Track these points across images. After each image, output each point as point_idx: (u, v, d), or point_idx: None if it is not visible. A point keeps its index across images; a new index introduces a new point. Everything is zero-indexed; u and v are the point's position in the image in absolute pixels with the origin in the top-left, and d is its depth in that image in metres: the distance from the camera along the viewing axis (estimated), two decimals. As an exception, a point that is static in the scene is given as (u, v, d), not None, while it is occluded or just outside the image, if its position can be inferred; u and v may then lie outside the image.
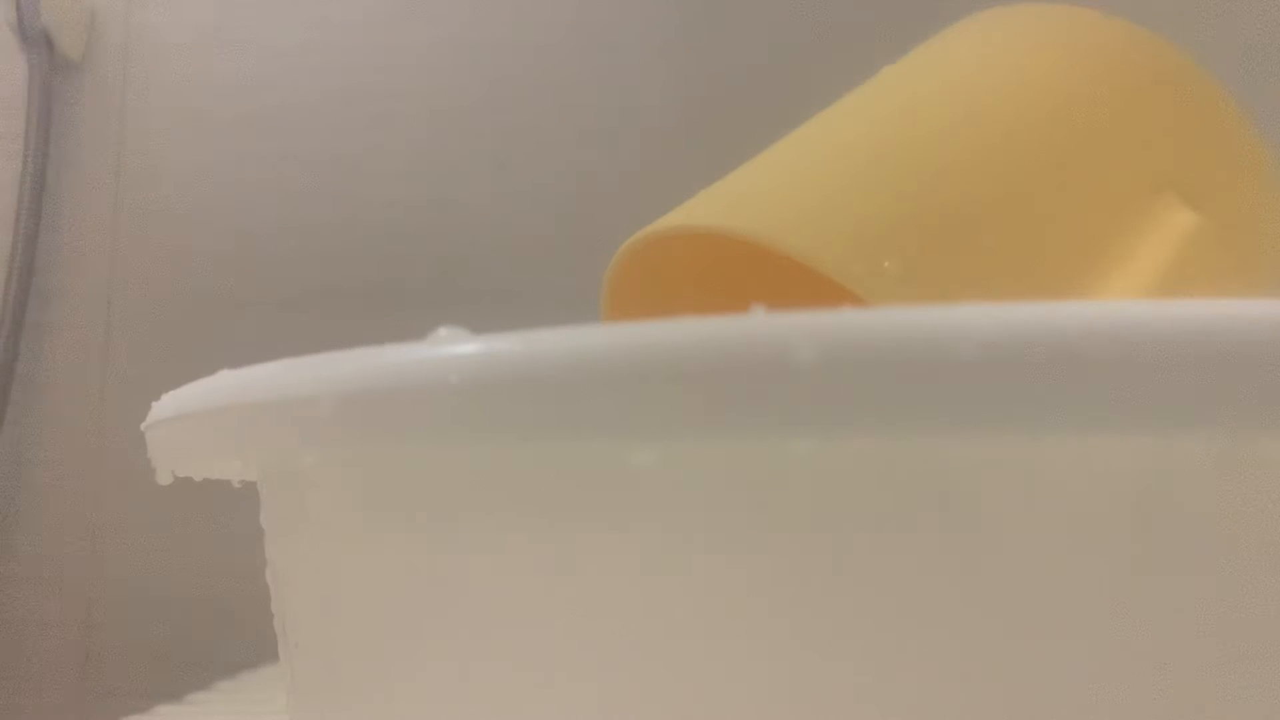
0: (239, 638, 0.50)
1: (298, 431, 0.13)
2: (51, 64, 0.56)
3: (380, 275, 0.55)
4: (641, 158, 0.54)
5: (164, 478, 0.16)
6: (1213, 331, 0.10)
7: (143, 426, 0.16)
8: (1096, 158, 0.23)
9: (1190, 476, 0.11)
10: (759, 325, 0.10)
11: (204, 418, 0.14)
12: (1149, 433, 0.11)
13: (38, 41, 0.55)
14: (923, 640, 0.12)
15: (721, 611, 0.12)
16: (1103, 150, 0.23)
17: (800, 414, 0.10)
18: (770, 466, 0.12)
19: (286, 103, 0.57)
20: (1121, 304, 0.10)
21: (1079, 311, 0.10)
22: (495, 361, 0.11)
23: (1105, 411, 0.10)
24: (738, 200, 0.24)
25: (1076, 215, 0.22)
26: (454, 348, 0.12)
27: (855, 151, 0.23)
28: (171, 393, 0.15)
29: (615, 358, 0.11)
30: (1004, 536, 0.11)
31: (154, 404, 0.16)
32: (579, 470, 0.12)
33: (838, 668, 0.12)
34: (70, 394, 0.56)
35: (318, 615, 0.16)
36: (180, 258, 0.56)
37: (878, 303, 0.20)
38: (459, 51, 0.56)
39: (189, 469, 0.16)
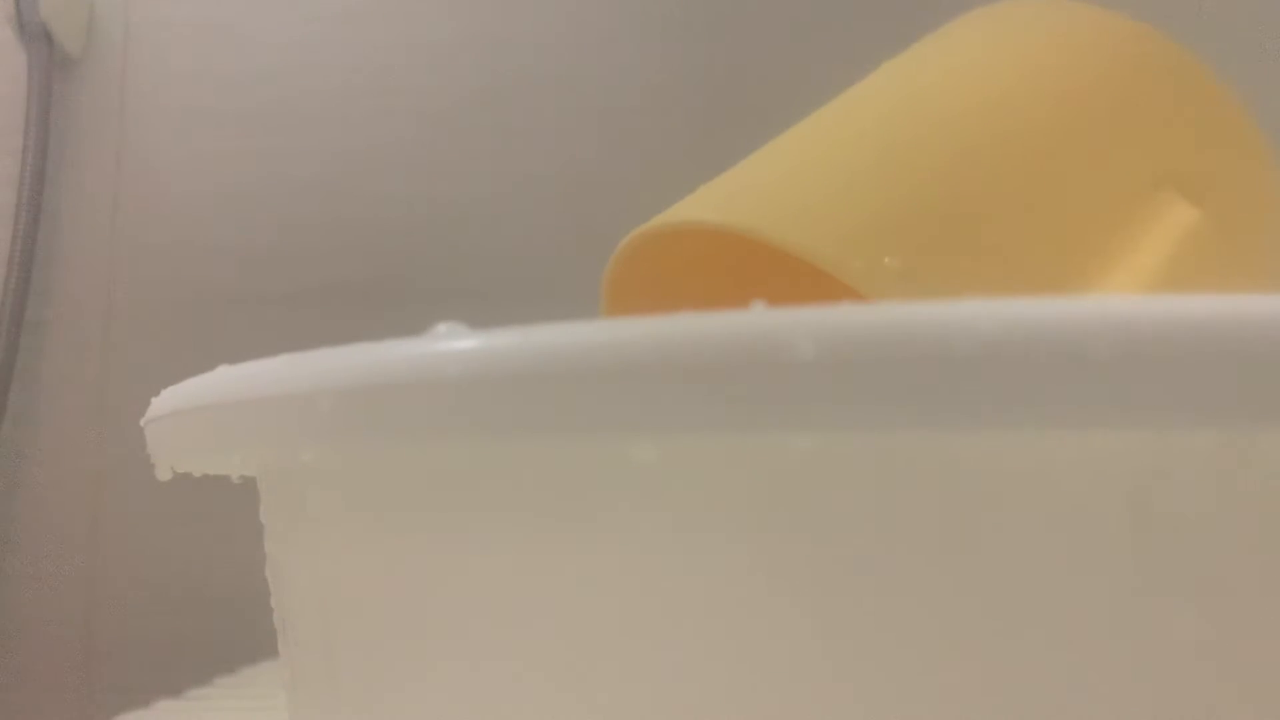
0: (239, 633, 0.50)
1: (296, 427, 0.13)
2: (51, 59, 0.56)
3: (380, 271, 0.55)
4: (642, 154, 0.54)
5: (163, 474, 0.16)
6: (1214, 327, 0.10)
7: (142, 422, 0.16)
8: (1097, 153, 0.23)
9: (1191, 472, 0.11)
10: (759, 321, 0.10)
11: (203, 413, 0.14)
12: (1150, 428, 0.11)
13: (37, 37, 0.55)
14: (922, 637, 0.12)
15: (721, 606, 0.12)
16: (1103, 145, 0.23)
17: (800, 410, 0.10)
18: (770, 462, 0.12)
19: (286, 98, 0.57)
20: (1122, 299, 0.10)
21: (1080, 307, 0.10)
22: (494, 357, 0.11)
23: (1106, 407, 0.10)
24: (738, 196, 0.24)
25: (1077, 211, 0.22)
26: (453, 343, 0.12)
27: (855, 147, 0.23)
28: (171, 389, 0.15)
29: (615, 353, 0.11)
30: (1004, 532, 0.11)
31: (153, 400, 0.16)
32: (579, 466, 0.12)
33: (837, 665, 0.12)
34: (70, 391, 0.56)
35: (317, 611, 0.16)
36: (180, 254, 0.56)
37: (878, 298, 0.20)
38: (459, 47, 0.56)
39: (188, 465, 0.16)
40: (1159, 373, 0.10)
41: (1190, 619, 0.11)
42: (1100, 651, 0.11)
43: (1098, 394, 0.10)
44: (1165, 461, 0.11)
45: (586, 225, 0.53)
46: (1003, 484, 0.11)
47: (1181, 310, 0.10)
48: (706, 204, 0.24)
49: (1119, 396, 0.10)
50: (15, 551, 0.55)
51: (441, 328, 0.12)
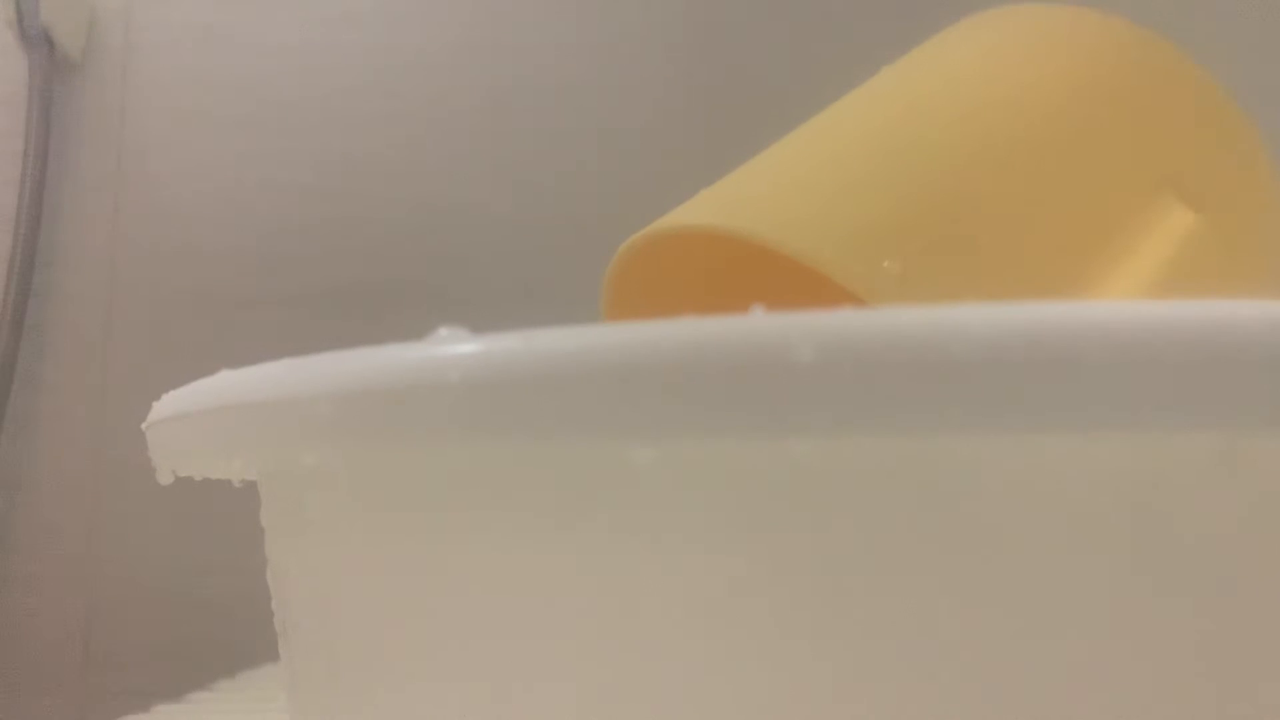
0: (239, 637, 0.50)
1: (298, 431, 0.13)
2: (52, 63, 0.56)
3: (380, 275, 0.55)
4: (642, 158, 0.54)
5: (164, 477, 0.16)
6: (1212, 331, 0.10)
7: (143, 426, 0.16)
8: (1096, 157, 0.23)
9: (1190, 476, 0.11)
10: (759, 325, 0.10)
11: (204, 417, 0.14)
12: (1149, 432, 0.11)
13: (38, 41, 0.55)
14: (922, 640, 0.12)
15: (720, 610, 0.12)
16: (1102, 150, 0.23)
17: (800, 414, 0.10)
18: (770, 466, 0.12)
19: (287, 102, 0.57)
20: (1121, 304, 0.10)
21: (1079, 311, 0.10)
22: (496, 361, 0.11)
23: (1105, 411, 0.10)
24: (738, 200, 0.24)
25: (1076, 215, 0.22)
26: (454, 347, 0.12)
27: (855, 151, 0.23)
28: (172, 392, 0.15)
29: (615, 357, 0.11)
30: (1004, 536, 0.11)
31: (154, 404, 0.16)
32: (579, 470, 0.12)
33: (837, 667, 0.12)
34: (70, 394, 0.56)
35: (318, 614, 0.16)
36: (180, 257, 0.56)
37: (877, 303, 0.20)
38: (459, 51, 0.56)
39: (190, 468, 0.16)
40: (1156, 377, 0.10)
41: (1189, 620, 0.12)
42: (1100, 652, 0.11)
43: (1096, 398, 0.10)
44: (1163, 464, 0.11)
45: (587, 229, 0.54)
46: (1001, 487, 0.11)
47: (1179, 315, 0.10)
48: (707, 208, 0.24)
49: (1117, 400, 0.10)
50: (15, 554, 0.55)
51: (443, 332, 0.12)
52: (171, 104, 0.57)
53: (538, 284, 0.54)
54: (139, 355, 0.56)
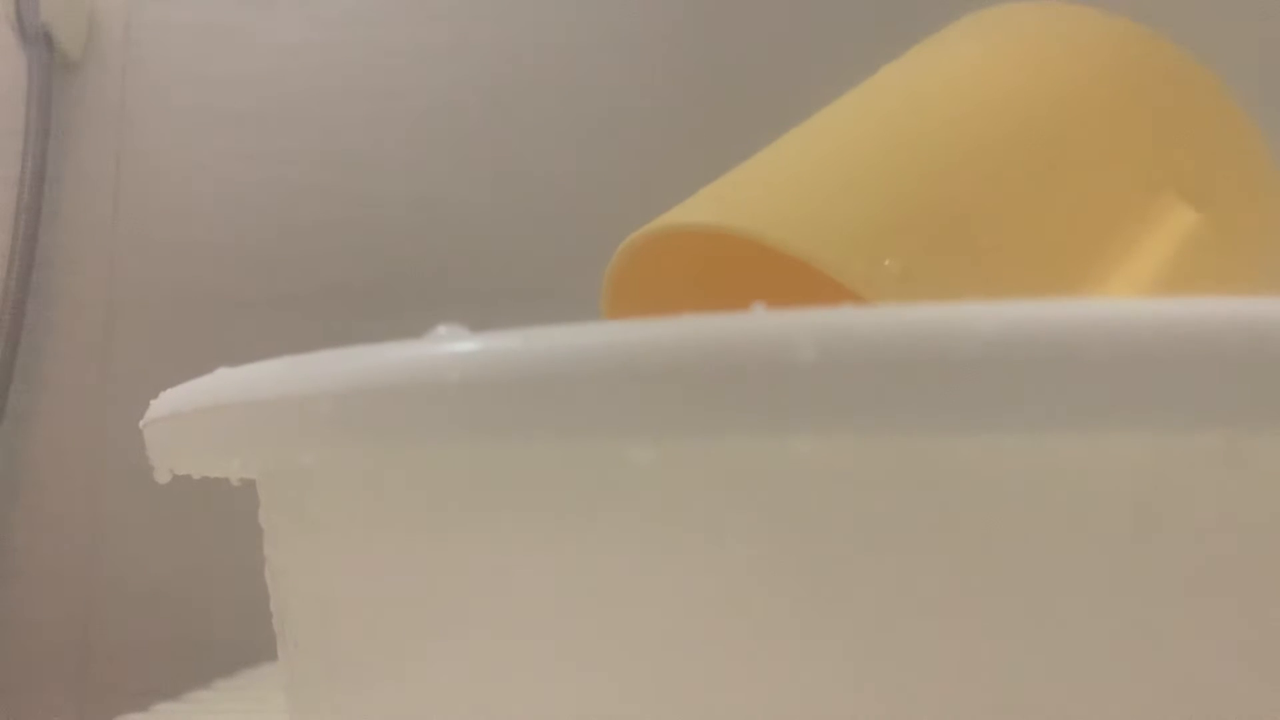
0: (238, 636, 0.50)
1: (296, 430, 0.13)
2: (51, 62, 0.56)
3: (380, 274, 0.55)
4: (641, 156, 0.54)
5: (163, 476, 0.16)
6: (1214, 331, 0.10)
7: (141, 424, 0.16)
8: (1097, 156, 0.23)
9: (1191, 476, 0.11)
10: (760, 323, 0.10)
11: (202, 416, 0.14)
12: (1150, 431, 0.11)
13: (37, 39, 0.55)
14: (922, 639, 0.12)
15: (721, 610, 0.12)
16: (1103, 148, 0.23)
17: (801, 412, 0.10)
18: (771, 465, 0.12)
19: (286, 101, 0.57)
20: (1122, 302, 0.10)
21: (1080, 310, 0.10)
22: (495, 359, 0.11)
23: (1106, 410, 0.10)
24: (738, 198, 0.24)
25: (1077, 213, 0.22)
26: (453, 346, 0.12)
27: (856, 150, 0.23)
28: (170, 391, 0.15)
29: (615, 356, 0.11)
30: (1004, 536, 0.11)
31: (152, 402, 0.16)
32: (579, 469, 0.12)
33: (837, 667, 0.12)
34: (70, 393, 0.56)
35: (316, 614, 0.16)
36: (180, 256, 0.56)
37: (878, 301, 0.20)
38: (458, 50, 0.56)
39: (188, 467, 0.16)
40: (1158, 375, 0.10)
41: (1190, 621, 0.11)
42: (1100, 652, 0.11)
43: (1097, 396, 0.10)
44: (1165, 463, 0.11)
45: (587, 227, 0.53)
46: (1003, 485, 0.11)
47: (1180, 313, 0.10)
48: (706, 206, 0.24)
49: (1118, 398, 0.10)
50: (15, 552, 0.55)
51: (442, 330, 0.12)
52: (171, 102, 0.57)
53: (538, 283, 0.54)
54: (139, 355, 0.56)
